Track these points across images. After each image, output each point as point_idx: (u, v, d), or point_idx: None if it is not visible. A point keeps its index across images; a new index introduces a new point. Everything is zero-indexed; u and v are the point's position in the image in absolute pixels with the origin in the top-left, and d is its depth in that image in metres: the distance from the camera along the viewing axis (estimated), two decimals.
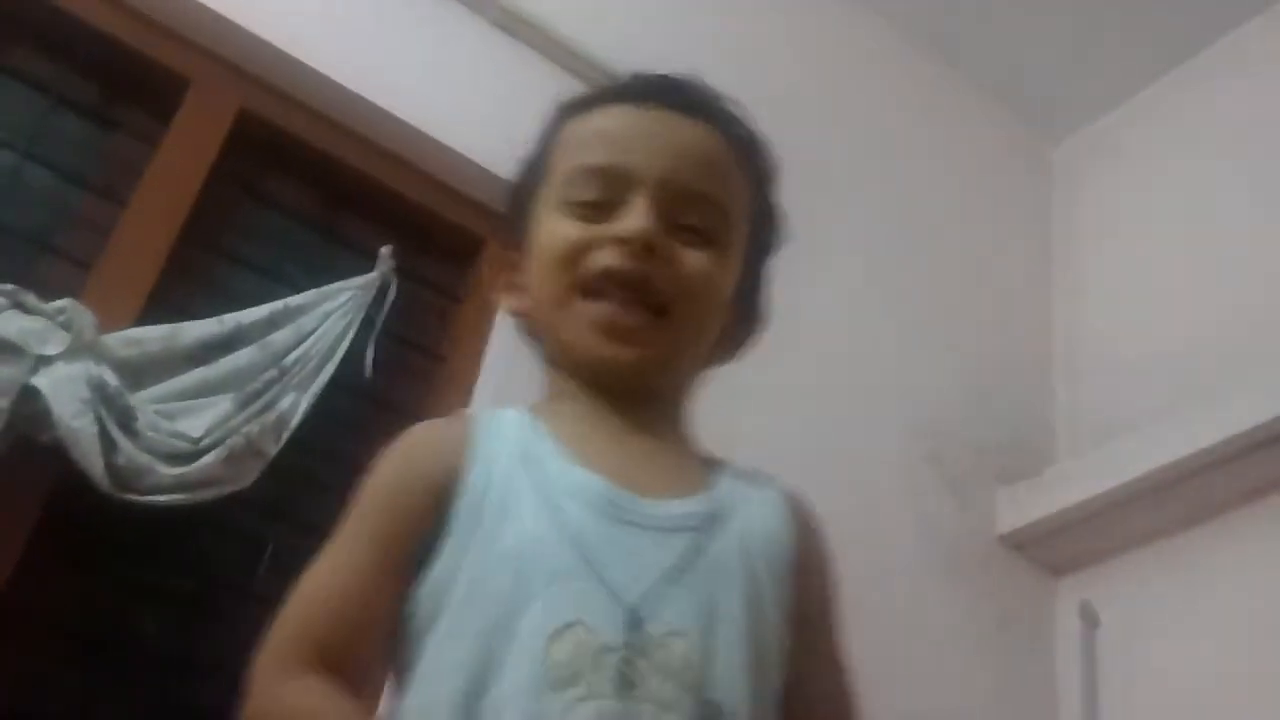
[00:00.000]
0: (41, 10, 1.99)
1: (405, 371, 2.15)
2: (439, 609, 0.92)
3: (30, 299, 1.69)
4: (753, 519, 1.01)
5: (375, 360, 2.03)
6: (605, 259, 1.01)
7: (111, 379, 1.70)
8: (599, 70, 2.43)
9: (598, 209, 1.04)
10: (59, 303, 1.70)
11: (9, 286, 1.68)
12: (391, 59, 2.23)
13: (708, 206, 1.06)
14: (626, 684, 0.86)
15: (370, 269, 2.07)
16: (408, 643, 0.93)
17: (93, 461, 1.63)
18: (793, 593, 0.99)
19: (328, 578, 0.95)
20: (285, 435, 1.84)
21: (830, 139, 2.69)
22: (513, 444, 0.99)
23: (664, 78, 1.12)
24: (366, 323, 2.03)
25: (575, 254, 1.03)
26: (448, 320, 2.24)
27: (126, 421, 1.69)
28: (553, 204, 1.07)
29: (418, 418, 2.10)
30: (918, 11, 3.02)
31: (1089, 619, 2.44)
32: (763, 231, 1.13)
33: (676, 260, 1.02)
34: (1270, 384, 2.23)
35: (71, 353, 1.67)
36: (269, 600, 1.90)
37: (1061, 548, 2.51)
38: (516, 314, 1.13)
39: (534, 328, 1.11)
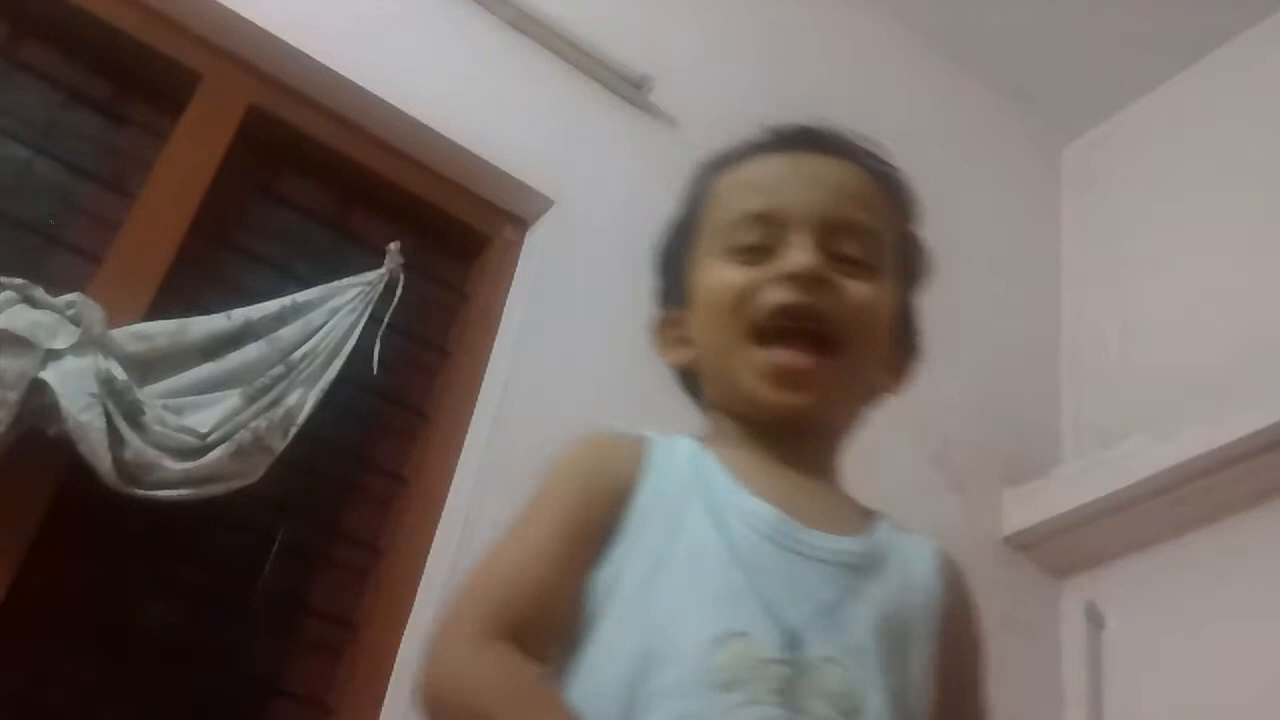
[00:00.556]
0: (53, 5, 2.00)
1: (412, 367, 2.16)
2: (606, 604, 0.95)
3: (39, 293, 1.69)
4: (906, 568, 1.03)
5: (382, 356, 2.03)
6: (775, 296, 1.04)
7: (119, 373, 1.70)
8: (610, 70, 2.44)
9: (759, 253, 1.06)
10: (68, 296, 1.71)
11: (19, 280, 1.69)
12: (402, 56, 2.24)
13: (864, 235, 1.08)
14: (788, 697, 0.89)
15: (378, 265, 2.08)
16: (573, 633, 0.96)
17: (100, 456, 1.63)
18: (938, 646, 1.02)
19: (519, 557, 0.97)
20: (293, 430, 1.84)
21: None
22: (686, 465, 1.03)
23: (802, 126, 1.16)
24: (374, 318, 2.03)
25: (743, 296, 1.05)
26: (455, 316, 2.25)
27: (134, 416, 1.70)
28: (713, 254, 1.09)
29: (424, 414, 2.13)
30: (928, 10, 3.02)
31: (1094, 620, 2.43)
32: (911, 262, 1.17)
33: (843, 290, 1.05)
34: (1276, 387, 2.23)
35: (80, 347, 1.67)
36: (276, 594, 1.93)
37: (1067, 549, 2.51)
38: (680, 367, 1.15)
39: (695, 378, 1.14)
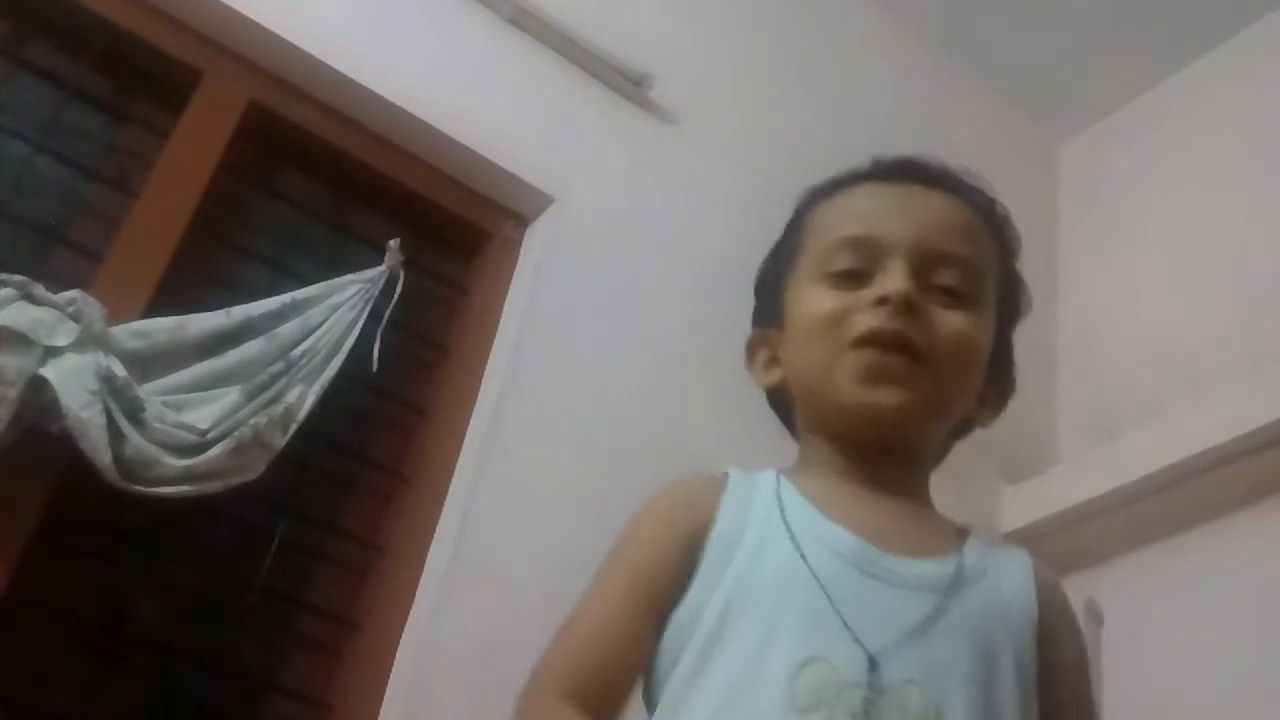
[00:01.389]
0: (54, 4, 2.00)
1: (412, 364, 2.16)
2: (686, 643, 0.98)
3: (40, 290, 1.69)
4: (1000, 585, 1.04)
5: (382, 353, 2.03)
6: (867, 320, 1.05)
7: (120, 370, 1.70)
8: (610, 67, 2.44)
9: (854, 279, 1.08)
10: (68, 294, 1.71)
11: (19, 278, 1.69)
12: (402, 53, 2.24)
13: (961, 267, 1.09)
14: (866, 718, 0.90)
15: (378, 262, 2.08)
16: (656, 675, 1.00)
17: (101, 452, 1.64)
18: (1040, 661, 1.02)
19: (592, 620, 1.02)
20: (292, 427, 1.84)
21: (836, 135, 2.68)
22: (767, 497, 1.05)
23: (906, 157, 1.17)
24: (374, 315, 2.03)
25: (837, 320, 1.06)
26: (455, 313, 2.25)
27: (134, 413, 1.70)
28: (809, 278, 1.11)
29: (423, 410, 2.13)
30: (926, 7, 3.02)
31: (1094, 616, 2.43)
32: (1010, 297, 1.17)
33: (935, 319, 1.06)
34: (1275, 382, 2.23)
35: (80, 344, 1.68)
36: (275, 591, 1.93)
37: (1066, 546, 2.51)
38: (773, 388, 1.16)
39: (788, 401, 1.15)
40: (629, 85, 2.47)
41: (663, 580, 1.01)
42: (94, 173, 1.99)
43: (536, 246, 2.27)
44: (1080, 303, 2.92)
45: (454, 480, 2.01)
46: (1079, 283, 2.95)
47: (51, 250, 1.90)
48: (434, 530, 1.96)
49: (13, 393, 1.61)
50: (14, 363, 1.62)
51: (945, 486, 2.58)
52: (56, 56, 2.02)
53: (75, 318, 1.69)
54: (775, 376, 1.15)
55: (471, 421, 2.08)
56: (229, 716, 1.83)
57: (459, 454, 2.04)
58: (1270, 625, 2.16)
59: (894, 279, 1.05)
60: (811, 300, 1.09)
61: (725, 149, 2.56)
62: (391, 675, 1.83)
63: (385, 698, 1.81)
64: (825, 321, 1.07)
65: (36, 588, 1.69)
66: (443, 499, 1.99)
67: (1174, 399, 2.43)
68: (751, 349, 1.19)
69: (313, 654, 1.90)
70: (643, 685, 1.01)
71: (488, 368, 2.14)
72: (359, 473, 2.05)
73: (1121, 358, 2.72)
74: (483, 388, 2.12)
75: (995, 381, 1.15)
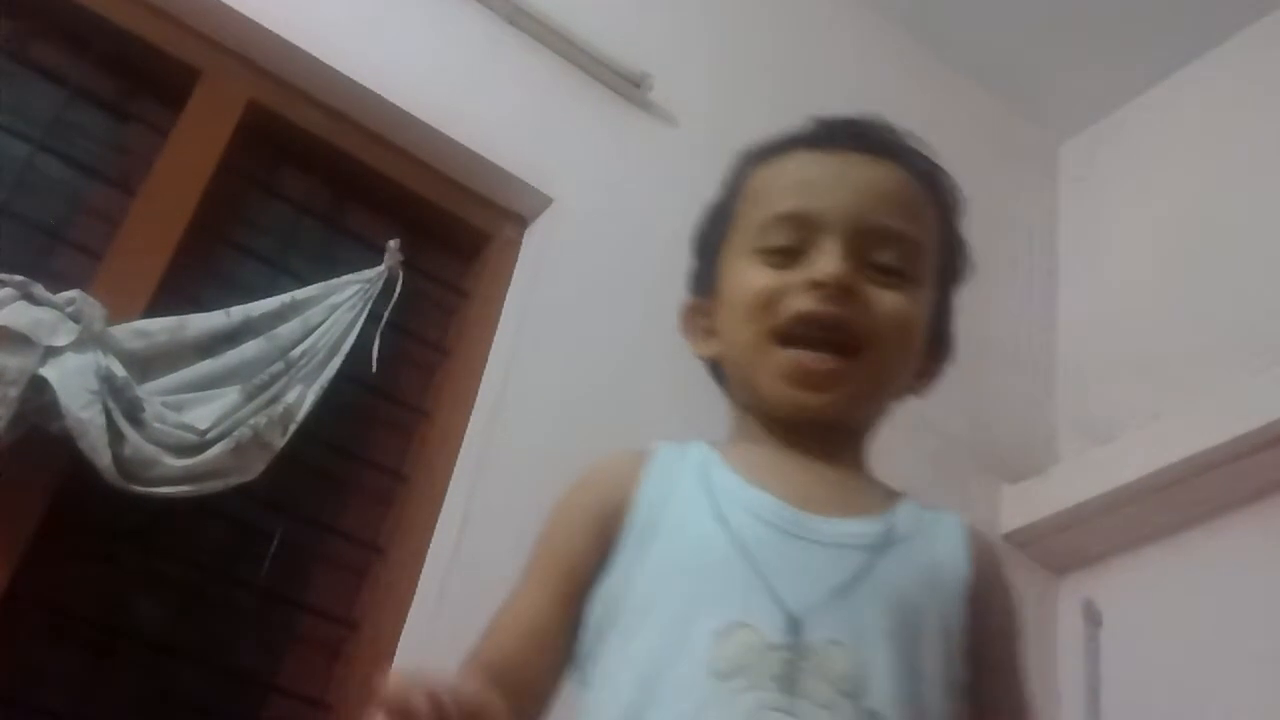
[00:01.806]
0: (55, 3, 2.00)
1: (411, 365, 2.16)
2: (614, 616, 0.98)
3: (39, 290, 1.69)
4: (932, 547, 1.03)
5: (381, 353, 2.04)
6: (799, 304, 1.03)
7: (119, 370, 1.71)
8: (608, 68, 2.44)
9: (789, 255, 1.05)
10: (68, 294, 1.71)
11: (19, 278, 1.69)
12: (401, 53, 2.24)
13: (900, 243, 1.07)
14: (788, 681, 0.89)
15: (377, 262, 2.08)
16: (586, 650, 1.00)
17: (100, 452, 1.64)
18: (969, 623, 1.01)
19: (512, 610, 1.03)
20: (292, 427, 1.84)
21: None
22: (694, 468, 1.04)
23: (846, 120, 1.14)
24: (373, 316, 2.03)
25: (768, 301, 1.04)
26: (454, 314, 2.25)
27: (134, 413, 1.70)
28: (743, 252, 1.09)
29: (423, 411, 2.13)
30: (922, 8, 3.02)
31: (1092, 618, 2.44)
32: (951, 262, 1.15)
33: (871, 302, 1.03)
34: (1275, 383, 2.23)
35: (80, 344, 1.68)
36: (274, 591, 1.93)
37: (1065, 547, 2.52)
38: (708, 359, 1.16)
39: (724, 371, 1.14)
40: (628, 86, 2.47)
41: (580, 564, 1.01)
42: (95, 172, 1.99)
43: (535, 247, 2.27)
44: (1079, 303, 2.92)
45: (453, 480, 2.01)
46: (1077, 283, 2.96)
47: (52, 249, 1.90)
48: (433, 530, 1.96)
49: (13, 392, 1.61)
50: (14, 362, 1.63)
51: (945, 486, 2.60)
52: (58, 56, 2.02)
53: (75, 318, 1.69)
54: (712, 348, 1.13)
55: (471, 422, 2.08)
56: (228, 716, 1.83)
57: (458, 454, 2.04)
58: (1268, 626, 2.16)
59: (828, 260, 1.03)
60: (744, 278, 1.07)
61: (724, 150, 2.55)
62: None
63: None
64: (756, 302, 1.05)
65: (36, 587, 1.69)
66: (442, 499, 1.99)
67: (1172, 400, 2.43)
68: (687, 318, 1.17)
69: (312, 654, 1.90)
70: (577, 664, 1.01)
71: (487, 368, 2.14)
72: (358, 473, 2.05)
73: (1120, 358, 2.72)
74: (482, 388, 2.11)
75: (933, 351, 1.14)
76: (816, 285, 1.02)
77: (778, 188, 1.10)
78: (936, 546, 1.03)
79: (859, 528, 1.00)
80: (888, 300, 1.04)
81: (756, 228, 1.08)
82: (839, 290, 1.02)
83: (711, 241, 1.15)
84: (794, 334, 1.03)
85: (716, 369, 1.16)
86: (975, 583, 1.03)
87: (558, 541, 1.05)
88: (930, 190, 1.12)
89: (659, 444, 1.07)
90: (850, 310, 1.02)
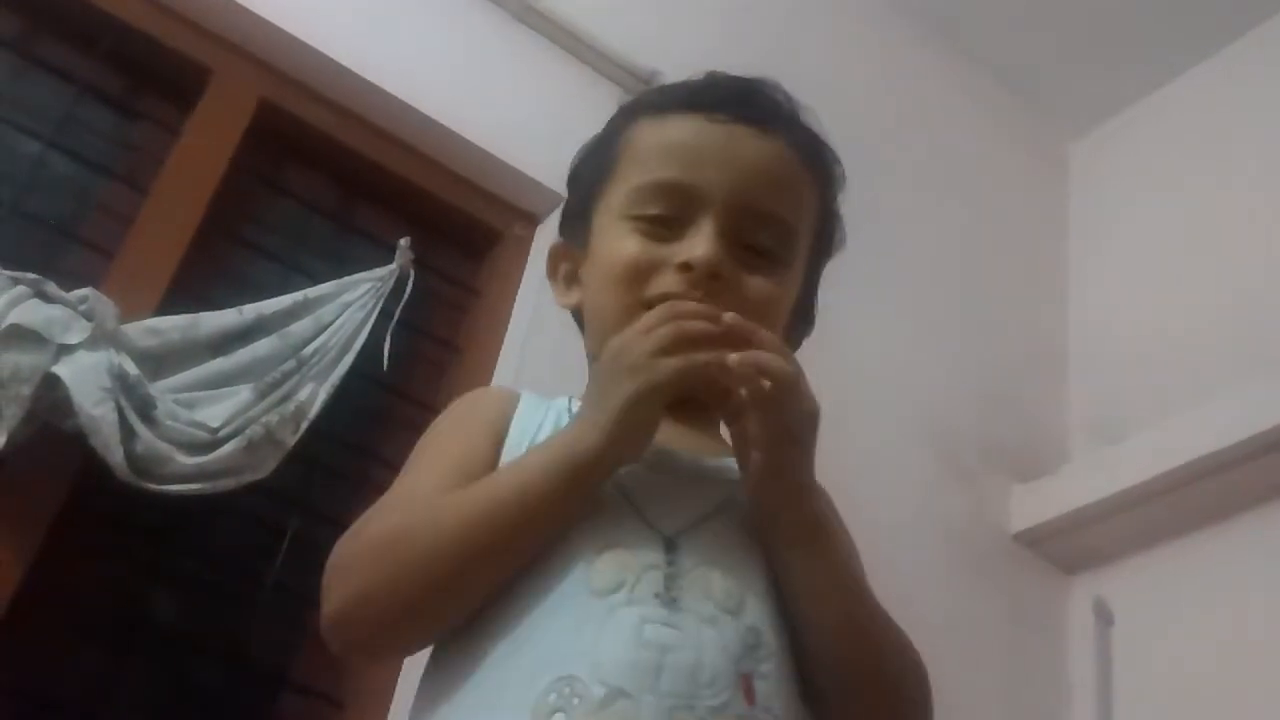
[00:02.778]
0: (67, 2, 2.01)
1: (422, 363, 2.16)
2: None
3: (52, 288, 1.70)
4: None
5: (393, 351, 2.04)
6: (668, 284, 1.02)
7: (132, 368, 1.71)
8: (618, 65, 2.44)
9: (664, 224, 1.04)
10: (80, 292, 1.72)
11: (32, 276, 1.70)
12: (412, 52, 2.24)
13: (775, 226, 1.06)
14: (668, 596, 0.89)
15: (389, 261, 2.08)
16: None
17: (113, 450, 1.64)
18: None
19: (403, 491, 1.01)
20: (303, 425, 1.85)
21: (842, 135, 2.68)
22: (555, 413, 1.04)
23: (736, 83, 1.12)
24: (385, 314, 2.03)
25: (638, 274, 1.03)
26: (465, 312, 2.25)
27: (146, 410, 1.71)
28: (617, 214, 1.07)
29: (434, 409, 2.13)
30: (936, 7, 3.02)
31: (1103, 616, 2.44)
32: (824, 239, 1.14)
33: (740, 287, 1.02)
34: None
35: (92, 342, 1.68)
36: (286, 588, 1.93)
37: (1075, 545, 2.51)
38: (570, 308, 1.15)
39: (583, 321, 1.13)
40: (637, 84, 2.47)
41: (477, 462, 0.99)
42: (106, 170, 1.99)
43: (546, 245, 2.26)
44: (1089, 302, 2.92)
45: None
46: (1088, 282, 2.95)
47: (64, 248, 1.91)
48: None
49: (26, 390, 1.62)
50: (27, 360, 1.63)
51: (956, 486, 2.59)
52: (68, 54, 2.03)
53: (88, 315, 1.69)
54: (574, 298, 1.13)
55: None
56: (241, 712, 1.84)
57: None
58: (1278, 626, 2.16)
59: (701, 243, 1.01)
60: (616, 244, 1.05)
61: None
62: (402, 672, 1.83)
63: (396, 694, 1.82)
64: (626, 272, 1.03)
65: (50, 583, 1.69)
66: None
67: (1183, 400, 2.43)
68: (553, 260, 1.16)
69: (323, 650, 1.89)
70: None
71: (498, 367, 2.14)
72: (370, 470, 2.05)
73: (1131, 358, 2.71)
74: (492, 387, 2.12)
75: (796, 325, 1.13)
76: (687, 268, 1.01)
77: (659, 152, 1.07)
78: None
79: (716, 462, 1.01)
80: (755, 285, 1.03)
81: (634, 190, 1.06)
82: (709, 276, 1.01)
83: (586, 186, 1.13)
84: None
85: (577, 316, 1.15)
86: None
87: (455, 442, 1.03)
88: (811, 168, 1.11)
89: (522, 391, 1.08)
90: (717, 295, 1.00)
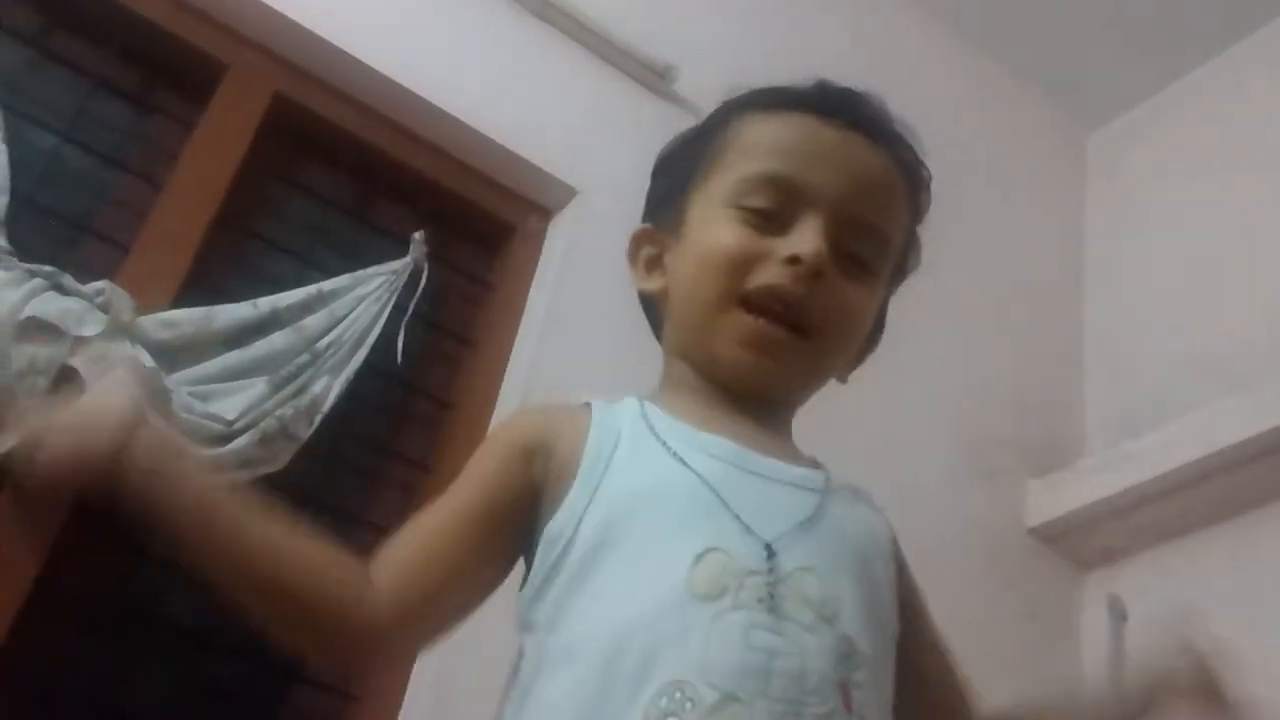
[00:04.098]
0: None
1: (436, 356, 2.16)
2: (563, 556, 0.95)
3: (68, 280, 1.71)
4: (856, 502, 1.06)
5: (407, 345, 2.04)
6: (771, 276, 1.02)
7: (147, 360, 1.71)
8: (634, 60, 2.44)
9: (768, 219, 1.04)
10: (97, 284, 1.72)
11: (48, 268, 1.70)
12: (426, 45, 2.24)
13: (875, 237, 1.07)
14: (771, 603, 0.90)
15: (403, 254, 2.08)
16: (529, 594, 0.97)
17: None
18: (895, 576, 1.03)
19: (424, 523, 1.03)
20: (318, 418, 1.85)
21: None
22: (632, 417, 1.03)
23: (849, 92, 1.12)
24: (399, 308, 2.03)
25: (741, 263, 1.03)
26: (479, 306, 2.25)
27: (161, 403, 1.71)
28: (721, 202, 1.06)
29: (448, 403, 2.13)
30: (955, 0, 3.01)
31: (1117, 613, 2.42)
32: (906, 257, 1.15)
33: (835, 290, 1.03)
34: None
35: (108, 334, 1.69)
36: None
37: (1091, 541, 2.50)
38: (649, 294, 1.14)
39: (662, 311, 1.12)
40: (653, 77, 2.46)
41: (498, 489, 1.00)
42: (121, 164, 2.00)
43: (561, 239, 2.27)
44: (1107, 296, 2.91)
45: None
46: (1106, 275, 2.94)
47: (79, 241, 1.91)
48: None
49: (42, 382, 1.63)
50: (44, 352, 1.64)
51: (972, 480, 2.59)
52: (83, 48, 2.03)
53: (104, 308, 1.70)
54: (657, 284, 1.12)
55: (495, 414, 2.08)
56: (256, 705, 1.84)
57: None
58: None
59: (809, 238, 1.02)
60: (718, 231, 1.05)
61: None
62: (416, 666, 1.83)
63: (410, 689, 1.82)
64: (727, 260, 1.03)
65: (65, 577, 1.70)
66: None
67: (1200, 394, 2.42)
68: (637, 244, 1.15)
69: None
70: (517, 611, 0.99)
71: (511, 361, 2.14)
72: (384, 464, 2.05)
73: (1149, 352, 2.70)
74: (506, 380, 2.12)
75: (868, 343, 1.15)
76: (793, 262, 1.01)
77: (772, 146, 1.07)
78: (860, 505, 1.06)
79: (805, 473, 1.02)
80: (850, 292, 1.05)
81: (741, 180, 1.06)
82: (813, 273, 1.01)
83: (683, 174, 1.13)
84: (756, 302, 1.03)
85: (649, 302, 1.14)
86: (895, 541, 1.06)
87: (475, 471, 1.04)
88: (910, 187, 1.12)
89: (592, 400, 1.07)
90: (815, 294, 1.02)
